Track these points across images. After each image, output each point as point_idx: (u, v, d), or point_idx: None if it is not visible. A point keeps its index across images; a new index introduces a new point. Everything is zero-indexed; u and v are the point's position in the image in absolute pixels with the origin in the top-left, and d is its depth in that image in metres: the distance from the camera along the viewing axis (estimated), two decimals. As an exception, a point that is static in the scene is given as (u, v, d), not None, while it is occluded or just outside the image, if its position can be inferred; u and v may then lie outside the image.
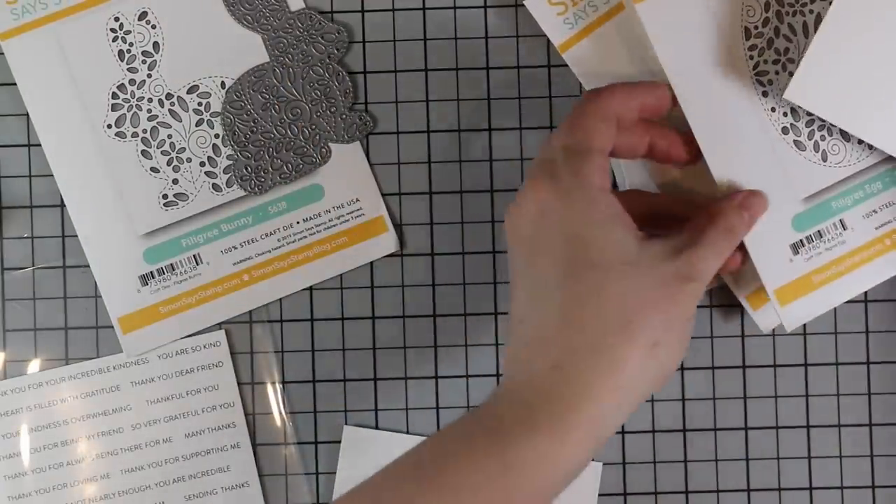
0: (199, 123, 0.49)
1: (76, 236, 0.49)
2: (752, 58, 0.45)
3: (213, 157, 0.49)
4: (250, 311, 0.50)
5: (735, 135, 0.45)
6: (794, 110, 0.45)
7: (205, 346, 0.50)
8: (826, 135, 0.46)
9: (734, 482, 0.50)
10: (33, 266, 0.50)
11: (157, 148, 0.49)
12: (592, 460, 0.50)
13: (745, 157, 0.45)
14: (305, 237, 0.50)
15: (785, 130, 0.46)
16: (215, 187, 0.49)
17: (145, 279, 0.49)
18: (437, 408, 0.50)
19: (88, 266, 0.49)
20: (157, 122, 0.49)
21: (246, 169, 0.49)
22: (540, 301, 0.37)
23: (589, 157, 0.38)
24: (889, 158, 0.46)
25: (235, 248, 0.50)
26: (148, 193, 0.49)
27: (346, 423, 0.50)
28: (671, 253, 0.37)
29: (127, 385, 0.50)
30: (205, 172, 0.49)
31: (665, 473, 0.50)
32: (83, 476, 0.50)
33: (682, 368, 0.50)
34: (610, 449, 0.50)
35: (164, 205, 0.49)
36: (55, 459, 0.50)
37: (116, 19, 0.49)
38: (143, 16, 0.49)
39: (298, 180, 0.50)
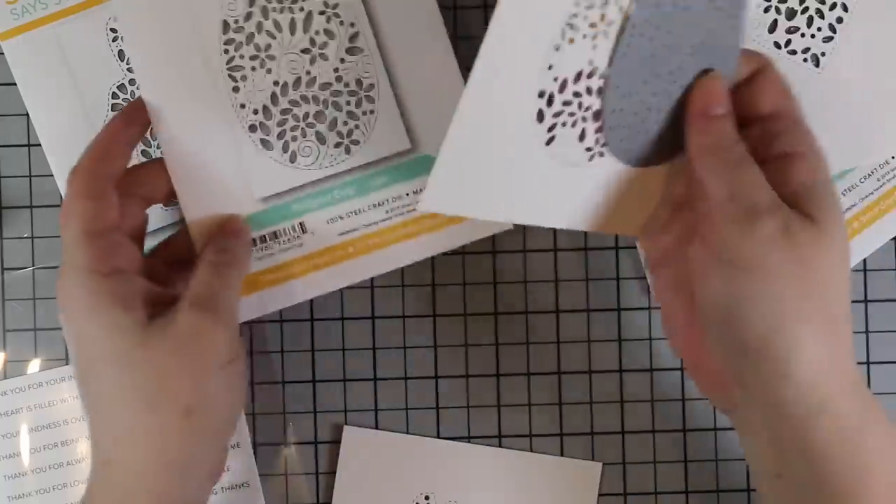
0: (198, 123, 0.49)
1: (76, 236, 0.49)
2: (227, 52, 0.45)
3: (213, 157, 0.49)
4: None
5: (200, 129, 0.45)
6: (267, 108, 0.45)
7: (205, 346, 0.50)
8: (299, 136, 0.46)
9: (734, 482, 0.50)
10: (33, 266, 0.50)
11: (157, 148, 0.49)
12: (592, 459, 0.50)
13: (208, 152, 0.45)
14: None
15: (253, 128, 0.45)
16: (215, 187, 0.49)
17: (145, 279, 0.49)
18: (437, 408, 0.50)
19: (88, 266, 0.49)
20: (157, 122, 0.49)
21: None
22: (86, 395, 0.39)
23: (90, 240, 0.38)
24: (365, 166, 0.46)
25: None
26: (148, 193, 0.49)
27: (346, 423, 0.50)
28: (178, 314, 0.37)
29: (127, 385, 0.50)
30: (205, 172, 0.49)
31: (665, 473, 0.50)
32: (83, 476, 0.50)
33: (682, 368, 0.50)
34: (610, 449, 0.50)
35: (164, 205, 0.49)
36: (55, 459, 0.50)
37: (116, 19, 0.49)
38: (142, 16, 0.49)
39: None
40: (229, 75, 0.45)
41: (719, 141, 0.37)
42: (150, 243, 0.49)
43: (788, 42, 0.46)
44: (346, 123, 0.46)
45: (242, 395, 0.39)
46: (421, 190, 0.47)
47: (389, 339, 0.50)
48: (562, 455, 0.50)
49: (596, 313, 0.50)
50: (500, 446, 0.50)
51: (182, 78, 0.45)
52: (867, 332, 0.50)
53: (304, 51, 0.46)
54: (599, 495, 0.50)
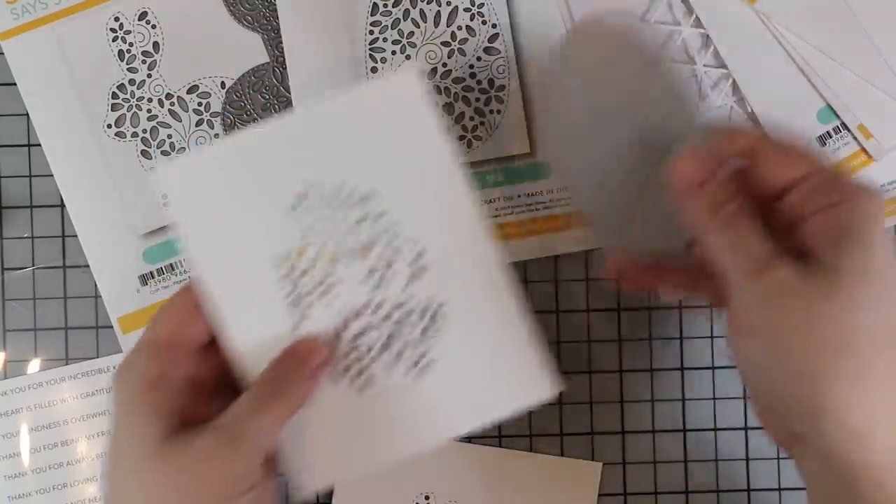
0: (199, 123, 0.49)
1: (76, 236, 0.49)
2: (371, 33, 0.47)
3: (213, 157, 0.49)
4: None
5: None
6: None
7: (205, 346, 0.50)
8: None
9: (734, 482, 0.50)
10: (33, 266, 0.50)
11: (157, 148, 0.49)
12: (592, 459, 0.50)
13: None
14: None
15: None
16: (215, 187, 0.49)
17: (145, 279, 0.49)
18: (437, 408, 0.50)
19: (88, 266, 0.49)
20: (157, 122, 0.49)
21: (246, 169, 0.49)
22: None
23: (147, 347, 0.38)
24: (482, 162, 0.48)
25: (235, 248, 0.50)
26: (148, 193, 0.49)
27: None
28: (190, 445, 0.36)
29: (127, 385, 0.50)
30: (205, 172, 0.49)
31: (665, 473, 0.50)
32: (83, 476, 0.50)
33: (682, 368, 0.50)
34: (610, 449, 0.50)
35: (164, 205, 0.49)
36: (55, 459, 0.50)
37: (116, 19, 0.49)
38: (143, 16, 0.49)
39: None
40: (370, 55, 0.47)
41: (700, 212, 0.36)
42: (149, 243, 0.49)
43: None
44: (472, 119, 0.48)
45: None
46: (532, 193, 0.49)
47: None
48: (562, 455, 0.50)
49: (596, 314, 0.50)
50: (500, 446, 0.50)
51: (326, 52, 0.48)
52: (867, 332, 0.50)
53: (444, 43, 0.48)
54: (599, 495, 0.50)
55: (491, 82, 0.49)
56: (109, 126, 0.49)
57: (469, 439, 0.50)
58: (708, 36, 0.48)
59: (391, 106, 0.38)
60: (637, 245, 0.41)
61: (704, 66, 0.48)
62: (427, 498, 0.50)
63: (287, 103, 0.49)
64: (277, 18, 0.49)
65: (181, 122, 0.49)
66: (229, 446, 0.36)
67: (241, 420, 0.36)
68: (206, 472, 0.35)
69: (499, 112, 0.49)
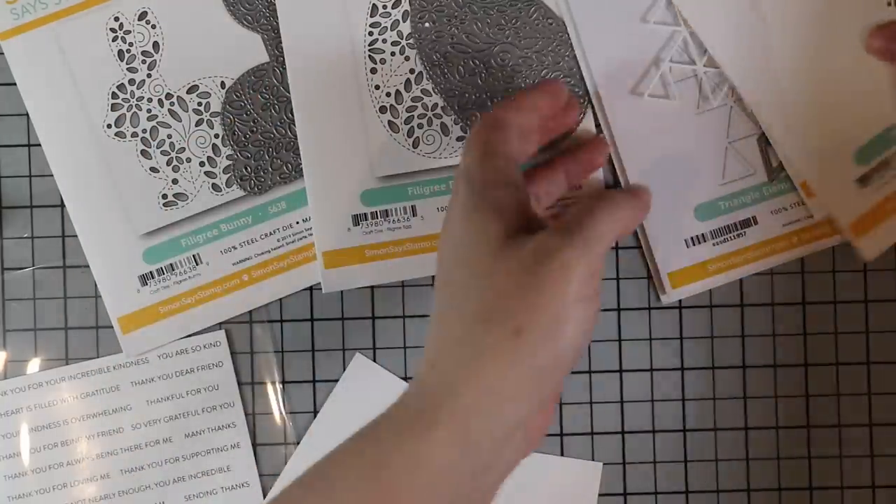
0: (198, 123, 0.49)
1: (76, 236, 0.49)
2: (371, 34, 0.48)
3: (213, 157, 0.49)
4: (250, 311, 0.50)
5: (334, 102, 0.48)
6: (399, 93, 0.48)
7: (205, 346, 0.50)
8: (425, 124, 0.48)
9: (734, 482, 0.50)
10: (33, 266, 0.50)
11: (157, 148, 0.49)
12: (593, 459, 0.50)
13: (337, 126, 0.48)
14: (305, 237, 0.50)
15: (383, 110, 0.48)
16: (215, 187, 0.49)
17: (145, 279, 0.49)
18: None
19: (88, 266, 0.49)
20: (157, 122, 0.49)
21: (245, 169, 0.49)
22: (435, 303, 0.37)
23: (488, 160, 0.38)
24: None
25: (235, 248, 0.50)
26: (147, 193, 0.49)
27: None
28: (538, 235, 0.36)
29: (127, 385, 0.50)
30: (204, 172, 0.49)
31: (665, 473, 0.50)
32: (83, 476, 0.50)
33: (681, 368, 0.50)
34: (610, 449, 0.50)
35: (164, 205, 0.49)
36: (55, 459, 0.50)
37: (116, 19, 0.49)
38: (142, 16, 0.49)
39: (298, 180, 0.50)
40: (370, 56, 0.48)
41: None
42: (149, 243, 0.49)
43: None
44: (472, 118, 0.49)
45: (585, 339, 0.35)
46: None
47: (389, 339, 0.50)
48: (562, 455, 0.50)
49: (596, 313, 0.50)
50: (499, 446, 0.50)
51: (325, 52, 0.48)
52: (867, 332, 0.50)
53: None
54: (599, 495, 0.50)
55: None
56: (109, 126, 0.49)
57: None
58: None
59: None
60: None
61: (704, 67, 0.48)
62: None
63: (287, 103, 0.49)
64: (277, 18, 0.49)
65: (181, 122, 0.49)
66: (570, 247, 0.34)
67: (583, 223, 0.35)
68: (543, 272, 0.34)
69: None
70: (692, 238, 0.49)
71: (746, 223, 0.49)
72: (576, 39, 0.48)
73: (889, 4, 0.47)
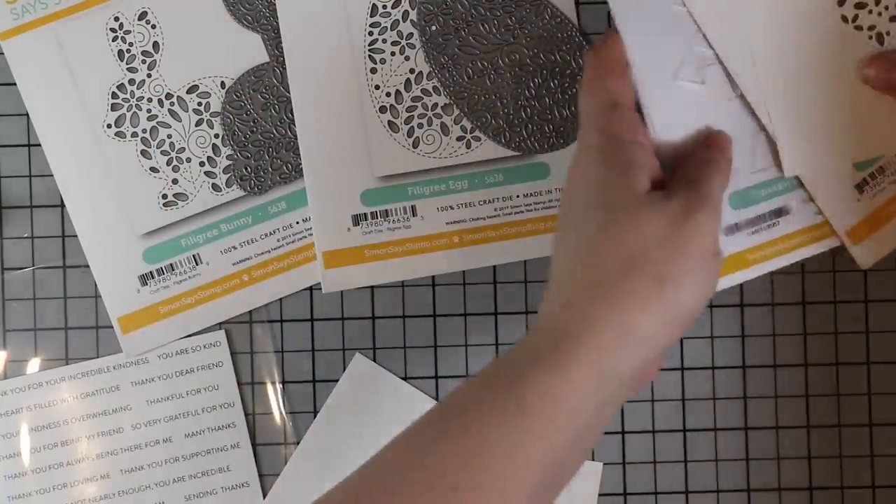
0: (198, 123, 0.49)
1: (76, 236, 0.49)
2: (371, 34, 0.48)
3: (213, 157, 0.49)
4: (250, 311, 0.50)
5: (334, 102, 0.48)
6: (399, 93, 0.48)
7: (205, 346, 0.50)
8: (425, 124, 0.48)
9: (734, 482, 0.50)
10: (33, 266, 0.50)
11: (157, 148, 0.49)
12: (593, 459, 0.50)
13: (337, 125, 0.48)
14: (305, 237, 0.50)
15: (383, 110, 0.48)
16: (215, 187, 0.49)
17: (145, 279, 0.49)
18: (437, 408, 0.50)
19: (88, 266, 0.49)
20: (157, 122, 0.49)
21: (245, 169, 0.49)
22: (563, 244, 0.39)
23: (617, 111, 0.40)
24: (482, 163, 0.49)
25: (235, 248, 0.50)
26: (147, 193, 0.49)
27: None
28: (674, 192, 0.38)
29: (127, 385, 0.50)
30: (204, 172, 0.49)
31: (665, 473, 0.50)
32: (83, 476, 0.50)
33: (682, 368, 0.50)
34: (610, 449, 0.50)
35: (164, 205, 0.49)
36: (55, 459, 0.50)
37: (116, 19, 0.49)
38: (142, 16, 0.49)
39: (298, 180, 0.50)
40: (370, 56, 0.48)
41: None
42: (149, 243, 0.49)
43: (856, 17, 0.46)
44: (471, 119, 0.49)
45: (711, 291, 0.38)
46: (530, 194, 0.49)
47: (389, 340, 0.50)
48: (562, 455, 0.50)
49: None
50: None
51: (325, 52, 0.48)
52: (867, 332, 0.50)
53: None
54: (599, 495, 0.50)
55: None
56: (109, 126, 0.49)
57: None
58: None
59: None
60: None
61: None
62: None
63: (287, 103, 0.49)
64: (277, 18, 0.49)
65: (181, 122, 0.49)
66: (701, 205, 0.38)
67: (702, 180, 0.39)
68: (680, 226, 0.37)
69: None
70: (726, 227, 0.47)
71: (779, 212, 0.48)
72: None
73: (840, 4, 0.46)
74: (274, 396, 0.50)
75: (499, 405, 0.35)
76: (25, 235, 0.50)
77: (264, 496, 0.50)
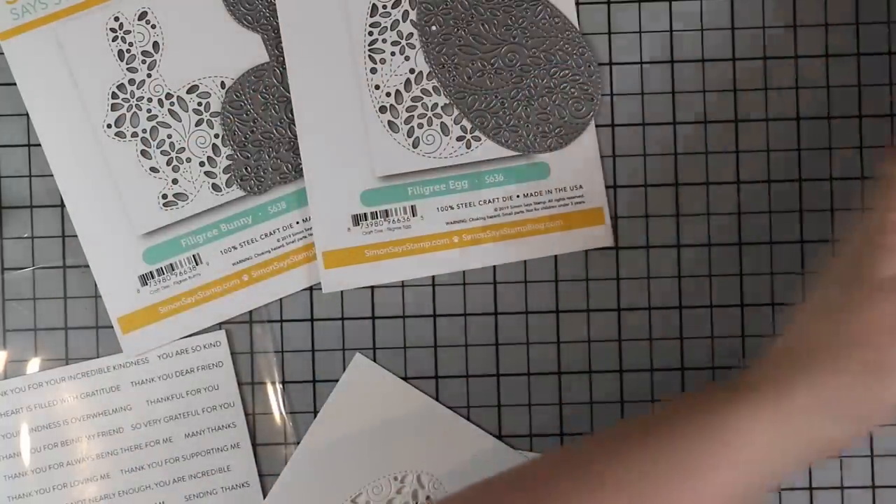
0: (198, 123, 0.49)
1: (76, 236, 0.49)
2: (371, 34, 0.48)
3: (213, 157, 0.49)
4: (250, 312, 0.50)
5: (334, 102, 0.48)
6: (399, 93, 0.48)
7: (205, 346, 0.50)
8: (425, 124, 0.48)
9: (734, 482, 0.50)
10: (33, 266, 0.50)
11: (157, 148, 0.49)
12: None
13: (337, 126, 0.48)
14: (305, 237, 0.50)
15: (383, 110, 0.49)
16: (215, 187, 0.49)
17: (145, 279, 0.49)
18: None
19: (88, 266, 0.50)
20: (157, 122, 0.49)
21: (245, 169, 0.49)
22: (815, 300, 0.41)
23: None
24: (482, 162, 0.49)
25: (235, 248, 0.50)
26: (147, 193, 0.49)
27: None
28: None
29: (127, 385, 0.50)
30: (204, 172, 0.49)
31: (665, 473, 0.50)
32: (83, 476, 0.50)
33: (681, 369, 0.50)
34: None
35: (164, 205, 0.49)
36: (55, 459, 0.50)
37: (116, 19, 0.49)
38: (142, 16, 0.49)
39: (298, 180, 0.50)
40: (369, 56, 0.48)
41: None
42: (149, 243, 0.49)
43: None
44: (471, 119, 0.49)
45: None
46: (530, 194, 0.49)
47: (389, 339, 0.50)
48: (562, 455, 0.50)
49: (596, 313, 0.50)
50: (500, 446, 0.50)
51: (325, 52, 0.48)
52: (867, 332, 0.50)
53: None
54: None
55: None
56: (109, 126, 0.49)
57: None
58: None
59: None
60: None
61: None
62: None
63: (287, 103, 0.49)
64: (277, 18, 0.49)
65: (181, 122, 0.49)
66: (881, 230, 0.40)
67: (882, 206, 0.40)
68: (873, 244, 0.39)
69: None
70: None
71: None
72: None
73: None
74: (274, 396, 0.50)
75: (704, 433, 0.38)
76: (25, 235, 0.50)
77: (264, 496, 0.50)
